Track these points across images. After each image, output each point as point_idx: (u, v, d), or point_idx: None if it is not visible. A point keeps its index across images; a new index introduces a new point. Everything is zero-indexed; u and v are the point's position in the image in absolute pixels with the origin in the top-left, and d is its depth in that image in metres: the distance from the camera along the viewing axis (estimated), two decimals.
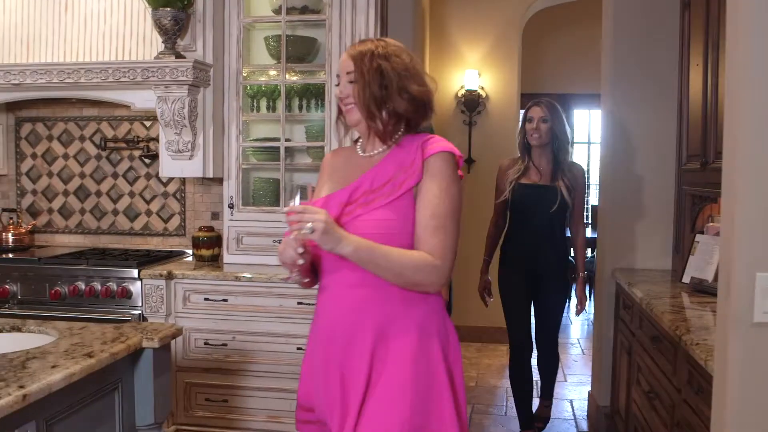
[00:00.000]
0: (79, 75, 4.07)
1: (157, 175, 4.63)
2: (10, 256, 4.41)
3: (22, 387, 1.85)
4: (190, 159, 4.12)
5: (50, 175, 4.85)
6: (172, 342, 2.63)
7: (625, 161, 4.38)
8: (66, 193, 4.83)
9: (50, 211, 4.87)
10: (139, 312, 3.97)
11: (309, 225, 1.89)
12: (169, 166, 4.18)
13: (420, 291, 2.03)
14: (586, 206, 4.31)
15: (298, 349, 3.81)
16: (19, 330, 2.57)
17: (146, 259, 4.19)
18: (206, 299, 3.92)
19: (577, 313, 4.32)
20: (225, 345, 3.91)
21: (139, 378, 2.44)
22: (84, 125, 4.78)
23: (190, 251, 4.49)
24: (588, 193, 11.06)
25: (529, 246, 4.15)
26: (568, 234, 4.31)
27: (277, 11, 4.26)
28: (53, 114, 4.82)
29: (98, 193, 4.78)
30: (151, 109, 4.12)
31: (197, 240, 4.30)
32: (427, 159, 2.04)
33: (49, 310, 4.03)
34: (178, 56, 4.02)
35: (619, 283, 4.20)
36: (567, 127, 4.12)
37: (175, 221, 4.67)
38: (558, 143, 4.09)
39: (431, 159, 2.04)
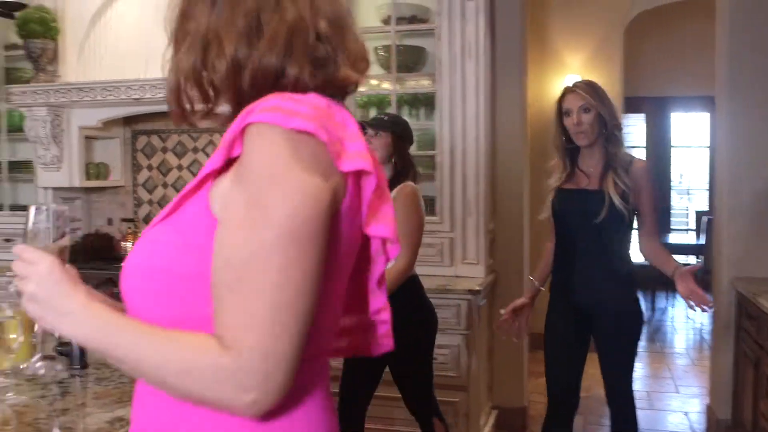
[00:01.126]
0: None
1: None
2: None
3: None
4: None
5: (165, 185, 5.00)
6: None
7: (744, 167, 4.24)
8: None
9: None
10: None
11: (12, 286, 1.16)
12: None
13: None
14: (657, 209, 3.20)
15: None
16: None
17: None
18: None
19: (697, 306, 2.94)
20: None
21: None
22: (197, 137, 4.91)
23: None
24: (660, 196, 10.38)
25: (573, 271, 3.19)
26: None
27: (386, 21, 4.30)
28: (167, 126, 4.97)
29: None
30: None
31: None
32: (242, 137, 0.99)
33: None
34: None
35: (740, 293, 4.07)
36: (616, 110, 3.17)
37: None
38: (607, 133, 3.09)
39: (245, 138, 0.98)
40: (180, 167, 4.97)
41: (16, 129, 4.92)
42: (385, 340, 1.25)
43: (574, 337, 3.20)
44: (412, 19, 4.32)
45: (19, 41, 4.64)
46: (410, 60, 4.32)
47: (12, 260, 1.17)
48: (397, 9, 4.27)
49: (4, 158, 5.02)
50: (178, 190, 4.94)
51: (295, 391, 1.01)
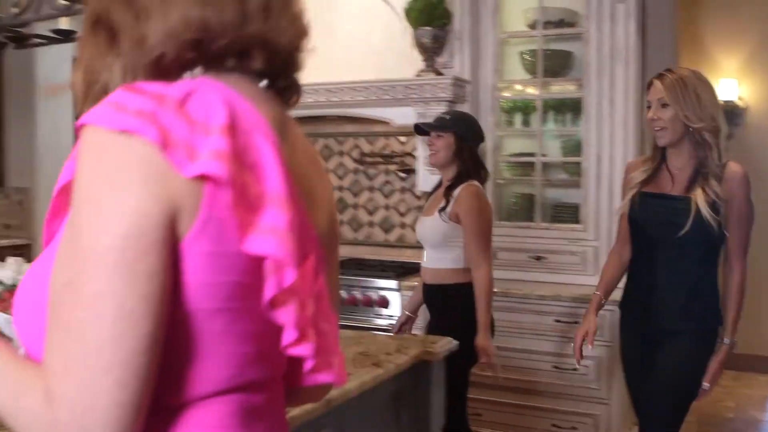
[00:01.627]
0: (343, 94, 4.29)
1: (411, 189, 4.76)
2: None
3: None
4: None
5: None
6: None
7: None
8: None
9: None
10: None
11: None
12: (425, 181, 4.28)
13: None
14: (748, 225, 2.73)
15: (555, 367, 3.76)
16: None
17: (402, 271, 4.31)
18: None
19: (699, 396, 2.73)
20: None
21: (418, 389, 2.50)
22: (343, 141, 5.02)
23: None
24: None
25: (648, 288, 2.77)
26: None
27: (533, 26, 4.25)
28: (314, 130, 5.10)
29: (355, 206, 5.00)
30: (409, 125, 4.24)
31: None
32: None
33: None
34: (437, 73, 4.13)
35: None
36: (712, 108, 2.62)
37: None
38: (694, 134, 2.63)
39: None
40: (326, 170, 5.09)
41: None
42: (318, 376, 0.96)
43: (640, 359, 2.81)
44: (560, 23, 4.26)
45: None
46: (557, 64, 4.26)
47: None
48: (544, 13, 4.22)
49: None
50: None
51: None
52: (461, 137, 3.19)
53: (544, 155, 4.24)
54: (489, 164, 4.26)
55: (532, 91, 4.33)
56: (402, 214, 4.86)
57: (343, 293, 4.21)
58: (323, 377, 0.95)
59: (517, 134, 4.42)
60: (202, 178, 0.79)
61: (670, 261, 2.70)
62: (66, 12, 2.65)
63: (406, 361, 2.36)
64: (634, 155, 4.02)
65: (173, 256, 0.80)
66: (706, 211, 2.57)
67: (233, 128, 0.82)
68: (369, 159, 4.93)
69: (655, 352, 2.72)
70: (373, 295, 4.15)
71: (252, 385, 0.92)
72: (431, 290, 3.28)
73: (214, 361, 0.87)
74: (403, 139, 4.82)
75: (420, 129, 3.36)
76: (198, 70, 0.92)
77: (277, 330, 0.87)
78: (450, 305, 3.19)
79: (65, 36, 2.90)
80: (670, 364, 2.69)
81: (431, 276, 3.27)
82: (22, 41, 3.03)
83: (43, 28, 3.15)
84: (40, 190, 6.52)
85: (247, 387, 0.91)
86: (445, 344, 2.56)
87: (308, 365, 0.91)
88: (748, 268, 2.73)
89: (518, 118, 4.40)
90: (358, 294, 4.18)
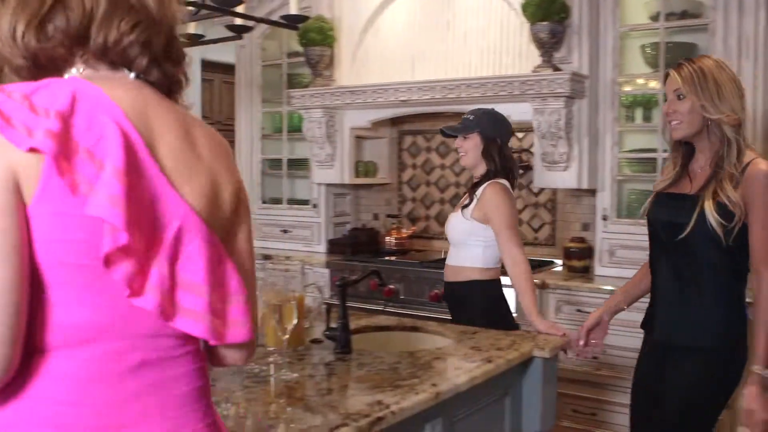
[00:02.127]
0: (460, 90, 4.30)
1: (528, 186, 4.73)
2: (393, 258, 4.80)
3: (434, 385, 2.00)
4: (564, 170, 4.15)
5: (428, 184, 5.19)
6: None
7: None
8: (442, 202, 5.13)
9: (427, 218, 5.20)
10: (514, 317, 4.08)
11: None
12: (543, 177, 4.25)
13: None
14: None
15: None
16: (418, 330, 2.77)
17: None
18: (578, 311, 3.92)
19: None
20: (596, 358, 3.87)
21: (527, 386, 2.51)
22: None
23: (559, 261, 4.52)
24: None
25: (653, 297, 2.57)
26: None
27: (655, 18, 4.14)
28: (432, 127, 5.14)
29: None
30: (526, 121, 4.22)
31: (569, 251, 4.33)
32: None
33: (427, 310, 4.30)
34: (555, 69, 4.08)
35: None
36: (733, 100, 2.37)
37: (545, 231, 4.74)
38: (714, 127, 2.38)
39: None
40: (443, 166, 5.13)
41: (295, 129, 5.34)
42: (187, 328, 1.09)
43: (651, 377, 2.52)
44: (683, 15, 4.13)
45: (300, 49, 5.03)
46: (680, 58, 4.11)
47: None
48: (666, 4, 4.10)
49: (285, 156, 5.47)
50: (440, 189, 5.13)
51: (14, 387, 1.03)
52: (486, 136, 3.16)
53: (665, 151, 4.12)
54: (608, 161, 4.20)
55: (654, 85, 4.22)
56: (519, 211, 4.82)
57: None
58: (191, 329, 1.08)
59: (638, 130, 4.31)
60: (37, 151, 0.97)
61: (676, 268, 2.43)
62: (193, 18, 2.77)
63: (517, 358, 2.37)
64: (761, 152, 3.86)
65: (23, 216, 0.98)
66: (711, 214, 2.30)
67: (72, 113, 1.00)
68: None
69: (661, 375, 2.46)
70: None
71: (112, 338, 1.06)
72: (451, 287, 3.26)
73: (67, 310, 1.02)
74: (519, 135, 4.79)
75: (445, 133, 3.35)
76: (80, 67, 1.11)
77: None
78: (469, 302, 3.14)
79: (193, 40, 3.03)
80: (674, 394, 2.41)
81: (451, 273, 3.24)
82: None
83: None
84: None
85: (105, 339, 1.05)
86: (558, 341, 2.55)
87: (157, 315, 1.04)
88: None
89: (639, 114, 4.29)
90: None
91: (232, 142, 5.78)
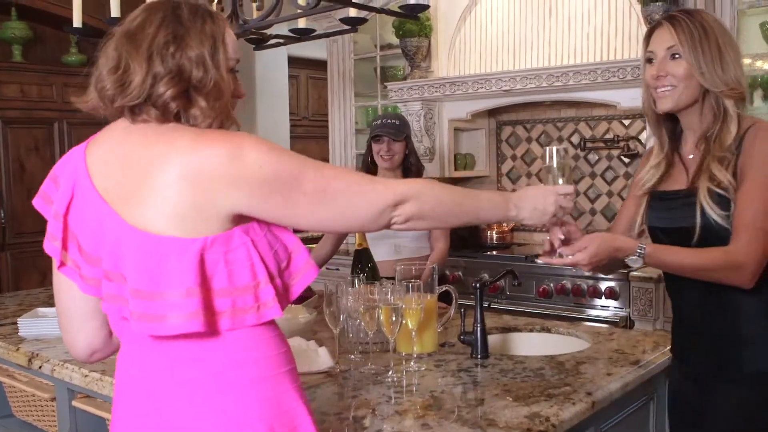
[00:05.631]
0: (567, 78, 4.14)
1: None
2: (494, 253, 4.67)
3: (589, 394, 1.87)
4: None
5: (528, 175, 5.04)
6: None
7: None
8: None
9: None
10: (626, 314, 3.92)
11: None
12: None
13: None
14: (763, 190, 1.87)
15: None
16: (548, 330, 2.65)
17: None
18: None
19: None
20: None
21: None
22: (562, 126, 4.87)
23: None
24: None
25: (684, 320, 2.09)
26: None
27: None
28: (532, 116, 4.99)
29: (576, 193, 4.83)
30: (636, 107, 4.04)
31: None
32: None
33: (535, 306, 4.17)
34: None
35: None
36: (737, 69, 1.92)
37: None
38: (712, 101, 1.93)
39: None
40: (544, 157, 4.96)
41: None
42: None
43: (683, 415, 2.12)
44: None
45: (393, 41, 4.94)
46: None
47: None
48: None
49: None
50: (540, 180, 4.95)
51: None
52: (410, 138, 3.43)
53: None
54: None
55: None
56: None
57: (568, 283, 4.09)
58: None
59: (757, 112, 4.08)
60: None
61: (694, 282, 1.93)
62: (306, 12, 2.70)
63: (666, 360, 2.22)
64: None
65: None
66: (712, 210, 1.86)
67: (55, 174, 1.39)
68: (590, 144, 4.74)
69: (697, 413, 2.04)
70: (601, 285, 3.99)
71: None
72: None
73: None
74: (626, 122, 4.60)
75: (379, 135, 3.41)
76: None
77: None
78: None
79: (302, 35, 2.96)
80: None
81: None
82: (262, 43, 3.14)
83: (279, 29, 3.25)
84: None
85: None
86: None
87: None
88: None
89: (758, 96, 4.06)
90: (583, 284, 4.04)
91: (323, 138, 5.73)
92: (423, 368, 2.13)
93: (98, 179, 1.32)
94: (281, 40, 3.13)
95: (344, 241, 3.55)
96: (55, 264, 1.39)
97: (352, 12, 2.72)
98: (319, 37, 3.00)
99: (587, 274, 3.97)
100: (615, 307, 3.96)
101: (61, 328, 1.49)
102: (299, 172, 1.30)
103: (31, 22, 5.77)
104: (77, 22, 2.96)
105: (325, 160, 5.72)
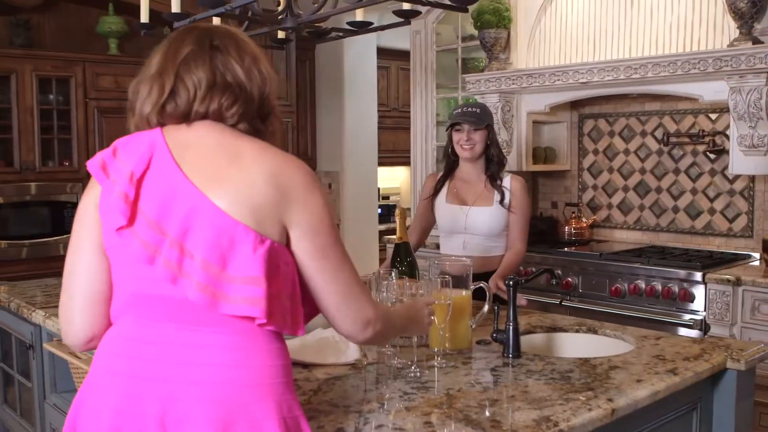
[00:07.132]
0: (646, 70, 3.99)
1: (722, 172, 4.33)
2: (572, 249, 4.55)
3: (610, 400, 1.81)
4: (765, 155, 3.74)
5: (611, 170, 4.89)
6: None
7: None
8: (626, 189, 4.82)
9: (609, 206, 4.91)
10: (701, 318, 3.75)
11: None
12: (740, 163, 3.86)
13: None
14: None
15: None
16: (594, 332, 2.57)
17: (709, 261, 3.94)
18: None
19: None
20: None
21: (719, 400, 2.25)
22: (645, 120, 4.70)
23: (756, 255, 4.11)
24: None
25: None
26: None
27: None
28: (614, 110, 4.84)
29: (658, 189, 4.66)
30: (720, 101, 3.86)
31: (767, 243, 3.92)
32: None
33: (607, 306, 4.05)
34: (756, 42, 3.69)
35: None
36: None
37: (741, 221, 4.32)
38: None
39: None
40: (627, 151, 4.80)
41: None
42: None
43: None
44: None
45: (475, 32, 4.88)
46: None
47: None
48: None
49: None
50: (623, 176, 4.82)
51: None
52: (491, 128, 3.22)
53: None
54: None
55: None
56: (711, 199, 4.44)
57: (642, 283, 3.95)
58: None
59: None
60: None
61: None
62: (359, 4, 2.70)
63: (707, 371, 2.12)
64: None
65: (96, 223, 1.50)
66: None
67: (115, 147, 1.52)
68: (674, 139, 4.56)
69: None
70: (675, 287, 3.84)
71: (136, 317, 1.47)
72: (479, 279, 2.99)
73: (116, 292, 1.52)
74: (713, 116, 4.40)
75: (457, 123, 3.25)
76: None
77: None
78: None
79: (359, 27, 2.96)
80: None
81: (484, 264, 3.07)
82: (322, 36, 3.16)
83: (338, 21, 3.26)
84: (347, 174, 6.91)
85: (132, 317, 1.48)
86: (755, 351, 2.26)
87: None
88: None
89: None
90: (658, 285, 3.90)
91: (409, 129, 5.72)
92: (450, 365, 2.11)
93: (178, 153, 1.45)
94: (340, 33, 3.14)
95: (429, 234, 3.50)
96: (89, 238, 1.51)
97: (406, 5, 2.70)
98: (375, 30, 2.99)
99: (662, 275, 3.83)
100: (690, 310, 3.80)
101: (63, 309, 1.56)
102: (335, 241, 1.51)
103: (128, 16, 5.99)
104: (144, 17, 3.06)
105: (408, 152, 5.72)
